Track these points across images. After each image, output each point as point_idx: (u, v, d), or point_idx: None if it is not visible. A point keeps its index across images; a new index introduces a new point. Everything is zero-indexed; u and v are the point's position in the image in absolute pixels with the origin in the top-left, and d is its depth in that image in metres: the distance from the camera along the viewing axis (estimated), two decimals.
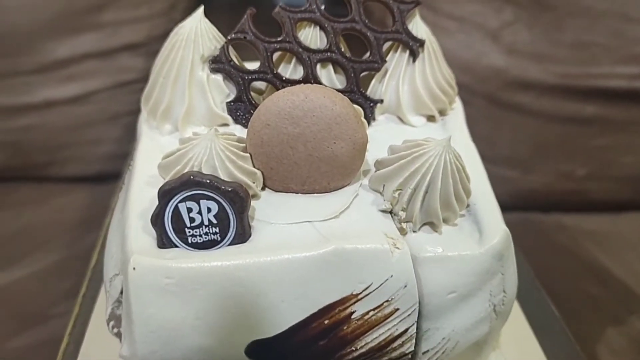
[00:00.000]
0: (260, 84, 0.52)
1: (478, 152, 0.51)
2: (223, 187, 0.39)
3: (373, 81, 0.52)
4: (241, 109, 0.51)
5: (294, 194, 0.45)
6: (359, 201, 0.45)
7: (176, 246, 0.41)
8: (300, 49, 0.50)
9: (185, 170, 0.42)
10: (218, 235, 0.41)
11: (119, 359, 0.41)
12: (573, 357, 0.56)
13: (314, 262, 0.40)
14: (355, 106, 0.48)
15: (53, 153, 0.91)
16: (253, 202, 0.43)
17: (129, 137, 0.53)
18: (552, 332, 0.57)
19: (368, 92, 0.52)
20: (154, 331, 0.39)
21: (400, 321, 0.42)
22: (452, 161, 0.42)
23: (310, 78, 0.50)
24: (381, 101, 0.52)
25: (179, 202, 0.40)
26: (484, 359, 0.47)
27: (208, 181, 0.39)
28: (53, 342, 0.56)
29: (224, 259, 0.39)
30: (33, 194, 0.90)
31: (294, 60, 0.50)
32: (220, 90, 0.50)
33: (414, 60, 0.52)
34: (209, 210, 0.40)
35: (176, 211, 0.40)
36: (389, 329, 0.42)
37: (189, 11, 0.51)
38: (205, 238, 0.41)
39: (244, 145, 0.45)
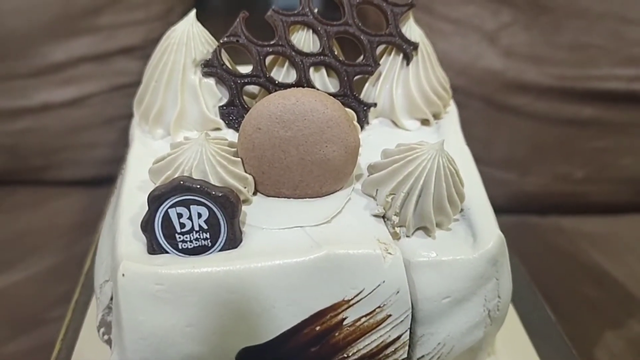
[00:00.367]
0: (253, 88, 0.52)
1: (475, 155, 0.50)
2: (213, 193, 0.39)
3: (367, 85, 0.52)
4: (234, 113, 0.51)
5: (286, 198, 0.45)
6: (352, 206, 0.45)
7: (166, 252, 0.40)
8: (293, 53, 0.49)
9: (176, 175, 0.42)
10: (209, 240, 0.40)
11: None
12: None
13: (305, 268, 0.39)
14: (348, 110, 0.47)
15: (49, 156, 0.91)
16: (244, 207, 0.43)
17: (126, 141, 0.53)
18: (548, 337, 0.57)
19: (362, 96, 0.52)
20: (145, 338, 0.39)
21: (393, 327, 0.41)
22: (446, 165, 0.42)
23: (303, 82, 0.50)
24: (375, 105, 0.52)
25: (169, 207, 0.39)
26: None
27: (198, 186, 0.39)
28: (48, 347, 0.56)
29: (215, 265, 0.39)
30: (29, 198, 0.90)
31: (286, 63, 0.50)
32: (213, 94, 0.50)
33: (407, 64, 0.51)
34: (199, 215, 0.40)
35: (166, 217, 0.40)
36: (381, 336, 0.41)
37: (185, 15, 0.51)
38: (196, 244, 0.40)
39: (235, 149, 0.45)
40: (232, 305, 0.39)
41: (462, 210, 0.45)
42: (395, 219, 0.43)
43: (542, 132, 0.90)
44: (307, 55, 0.49)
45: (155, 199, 0.39)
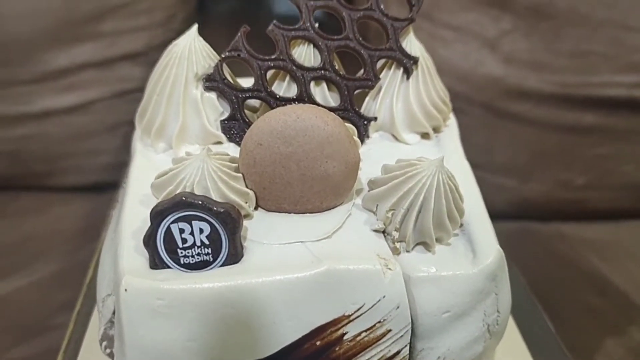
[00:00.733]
0: (254, 102, 0.52)
1: (476, 161, 0.51)
2: (215, 209, 0.39)
3: (367, 99, 0.52)
4: (235, 127, 0.51)
5: (287, 213, 0.45)
6: (352, 221, 0.45)
7: (168, 267, 0.41)
8: (294, 67, 0.49)
9: (178, 191, 0.42)
10: (210, 256, 0.41)
11: None
12: None
13: (306, 283, 0.40)
14: (349, 125, 0.48)
15: (52, 163, 0.91)
16: (245, 222, 0.43)
17: (128, 147, 0.53)
18: (547, 348, 0.57)
19: (362, 110, 0.52)
20: (146, 353, 0.39)
21: (393, 342, 0.41)
22: (445, 181, 0.42)
23: (304, 96, 0.50)
24: (375, 119, 0.52)
25: (171, 223, 0.40)
26: None
27: (200, 202, 0.39)
28: (51, 354, 0.56)
29: (216, 280, 0.39)
30: (32, 204, 0.90)
31: (287, 78, 0.50)
32: (214, 109, 0.50)
33: (407, 78, 0.51)
34: (201, 231, 0.40)
35: (168, 232, 0.40)
36: (381, 350, 0.42)
37: (188, 21, 0.51)
38: (198, 259, 0.41)
39: (237, 165, 0.45)
40: (233, 320, 0.39)
41: (461, 225, 0.45)
42: (396, 234, 0.43)
43: (543, 139, 0.90)
44: (308, 69, 0.50)
45: (158, 215, 0.40)
